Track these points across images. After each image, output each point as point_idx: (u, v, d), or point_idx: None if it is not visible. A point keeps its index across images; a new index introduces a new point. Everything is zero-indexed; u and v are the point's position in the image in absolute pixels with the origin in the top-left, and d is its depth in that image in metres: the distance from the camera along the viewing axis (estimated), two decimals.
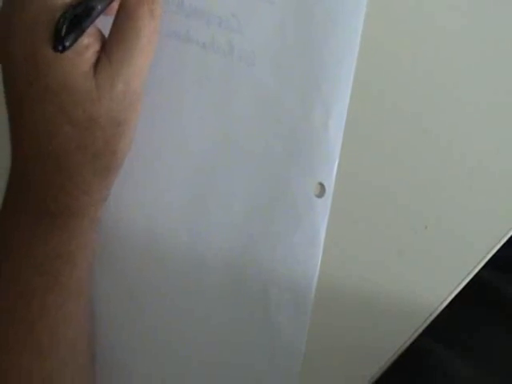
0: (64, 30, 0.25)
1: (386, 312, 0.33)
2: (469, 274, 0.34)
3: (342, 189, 0.33)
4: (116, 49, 0.27)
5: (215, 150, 0.33)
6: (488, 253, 0.34)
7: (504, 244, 0.34)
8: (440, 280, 0.34)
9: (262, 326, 0.33)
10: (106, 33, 0.29)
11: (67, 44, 0.26)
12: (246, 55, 0.33)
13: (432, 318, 0.34)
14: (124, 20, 0.28)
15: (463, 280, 0.34)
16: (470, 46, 0.34)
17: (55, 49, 0.26)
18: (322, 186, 0.33)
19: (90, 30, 0.27)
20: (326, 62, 0.33)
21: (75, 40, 0.26)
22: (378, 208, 0.34)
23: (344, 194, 0.33)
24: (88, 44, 0.27)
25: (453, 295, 0.34)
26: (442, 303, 0.34)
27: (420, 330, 0.34)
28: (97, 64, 0.27)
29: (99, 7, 0.27)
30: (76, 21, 0.26)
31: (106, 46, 0.28)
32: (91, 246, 0.30)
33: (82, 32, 0.26)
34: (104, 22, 0.29)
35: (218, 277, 0.33)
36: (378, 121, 0.34)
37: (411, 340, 0.34)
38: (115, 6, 0.28)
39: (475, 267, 0.34)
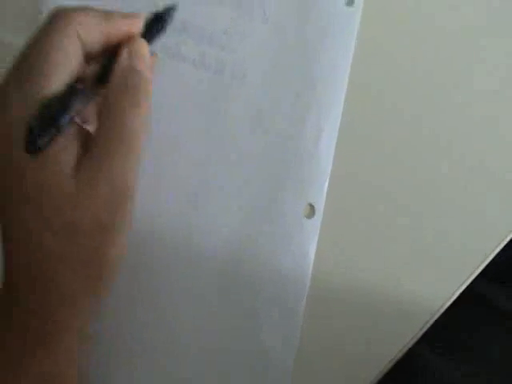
0: (35, 131, 0.24)
1: (384, 316, 0.33)
2: (468, 278, 0.34)
3: (340, 191, 0.33)
4: (96, 146, 0.25)
5: (205, 167, 0.33)
6: (484, 260, 0.34)
7: (501, 250, 0.34)
8: (439, 284, 0.34)
9: (251, 346, 0.32)
10: None
11: (40, 145, 0.24)
12: (237, 73, 0.33)
13: (431, 321, 0.34)
14: (105, 115, 0.26)
15: (462, 284, 0.34)
16: (468, 47, 0.34)
17: (28, 151, 0.24)
18: (311, 206, 0.33)
19: (71, 132, 0.25)
20: (318, 82, 0.33)
21: (50, 140, 0.24)
22: (375, 213, 0.34)
23: (341, 198, 0.33)
24: (65, 144, 0.25)
25: (452, 299, 0.34)
26: (441, 307, 0.34)
27: (419, 335, 0.34)
28: (78, 165, 0.25)
29: (75, 106, 0.25)
30: (50, 121, 0.24)
31: (89, 143, 0.25)
32: (76, 367, 0.28)
33: (57, 132, 0.24)
34: None
35: (207, 292, 0.33)
36: (370, 143, 0.34)
37: (410, 344, 0.34)
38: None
39: (474, 272, 0.34)
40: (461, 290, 0.34)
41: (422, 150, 0.34)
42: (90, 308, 0.27)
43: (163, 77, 0.32)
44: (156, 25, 0.29)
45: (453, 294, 0.34)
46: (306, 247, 0.33)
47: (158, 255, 0.32)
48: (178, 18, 0.32)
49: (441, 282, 0.34)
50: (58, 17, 0.26)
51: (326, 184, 0.33)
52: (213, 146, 0.33)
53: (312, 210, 0.33)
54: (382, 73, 0.34)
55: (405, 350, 0.34)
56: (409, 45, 0.34)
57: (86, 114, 0.28)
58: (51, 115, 0.24)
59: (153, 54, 0.29)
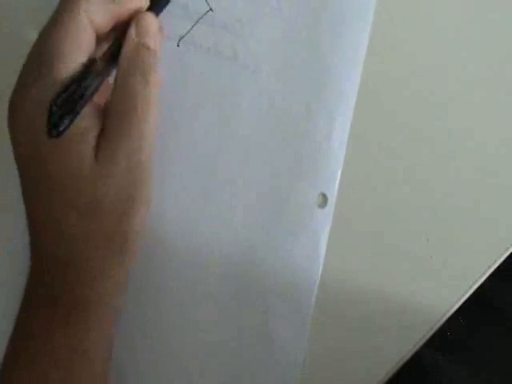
0: (56, 115, 0.24)
1: (388, 322, 0.33)
2: (473, 284, 0.34)
3: (345, 198, 0.33)
4: (111, 124, 0.26)
5: (217, 158, 0.33)
6: (493, 263, 0.34)
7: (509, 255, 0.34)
8: (444, 290, 0.34)
9: (261, 336, 0.32)
10: None
11: (61, 129, 0.25)
12: (250, 62, 0.33)
13: (437, 327, 0.34)
14: (117, 92, 0.26)
15: (468, 290, 0.34)
16: (474, 52, 0.34)
17: (50, 135, 0.25)
18: (324, 196, 0.33)
19: (88, 112, 0.26)
20: (331, 72, 0.33)
21: (70, 123, 0.25)
22: (380, 218, 0.34)
23: (346, 203, 0.33)
24: (86, 126, 0.26)
25: (458, 305, 0.34)
26: (444, 315, 0.34)
27: (424, 340, 0.34)
28: (97, 145, 0.26)
29: (92, 87, 0.26)
30: (69, 103, 0.25)
31: (104, 124, 0.26)
32: (108, 339, 0.29)
33: (76, 114, 0.25)
34: None
35: (217, 284, 0.33)
36: (381, 132, 0.34)
37: (415, 349, 0.34)
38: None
39: (480, 278, 0.34)
40: (468, 294, 0.34)
41: (437, 141, 0.34)
42: (117, 280, 0.28)
43: (177, 65, 0.32)
44: None
45: (456, 303, 0.34)
46: (318, 237, 0.33)
47: (168, 246, 0.32)
48: (191, 7, 0.33)
49: (446, 291, 0.34)
50: (66, 1, 0.26)
51: (339, 173, 0.33)
52: (225, 135, 0.33)
53: (324, 199, 0.33)
54: (397, 62, 0.34)
55: (412, 352, 0.34)
56: (427, 32, 0.34)
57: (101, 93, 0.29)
58: (70, 98, 0.25)
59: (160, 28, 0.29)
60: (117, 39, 0.28)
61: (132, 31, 0.27)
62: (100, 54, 0.27)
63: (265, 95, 0.33)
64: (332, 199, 0.33)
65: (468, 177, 0.34)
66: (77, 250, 0.26)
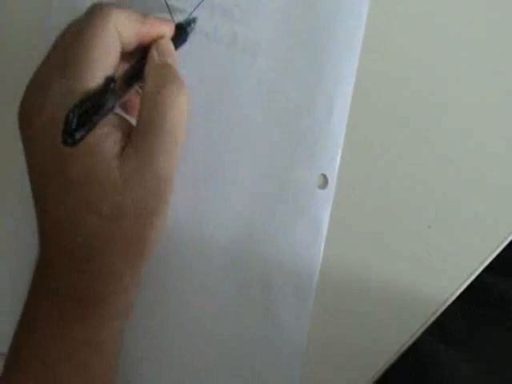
0: (73, 124, 0.25)
1: (387, 311, 0.33)
2: (472, 274, 0.34)
3: (345, 182, 0.33)
4: (142, 138, 0.26)
5: (216, 142, 0.33)
6: (491, 253, 0.34)
7: (506, 246, 0.34)
8: (443, 279, 0.34)
9: (264, 317, 0.32)
10: None
11: (77, 137, 0.25)
12: (250, 46, 0.33)
13: (434, 317, 0.33)
14: (146, 109, 0.27)
15: (466, 280, 0.34)
16: (475, 48, 0.34)
17: (65, 143, 0.25)
18: (324, 177, 0.33)
19: (110, 119, 0.26)
20: (330, 53, 0.33)
21: (86, 133, 0.25)
22: (380, 204, 0.34)
23: (346, 187, 0.33)
24: (107, 133, 0.26)
25: (455, 295, 0.34)
26: (444, 303, 0.34)
27: (422, 330, 0.33)
28: (123, 154, 0.26)
29: (110, 102, 0.26)
30: (86, 114, 0.25)
31: (132, 135, 0.27)
32: (121, 333, 0.29)
33: (93, 125, 0.25)
34: None
35: (218, 270, 0.33)
36: (381, 114, 0.34)
37: (413, 339, 0.33)
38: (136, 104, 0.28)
39: (478, 267, 0.34)
40: (467, 283, 0.34)
41: (437, 126, 0.34)
42: (132, 279, 0.28)
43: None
44: (178, 35, 0.30)
45: (454, 293, 0.34)
46: (320, 218, 0.33)
47: (169, 233, 0.32)
48: None
49: (443, 280, 0.34)
50: (98, 11, 0.26)
51: (339, 154, 0.33)
52: (224, 119, 0.33)
53: (325, 180, 0.33)
54: (395, 43, 0.34)
55: (410, 342, 0.33)
56: (414, 36, 0.34)
57: (129, 105, 0.30)
58: (88, 110, 0.25)
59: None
60: (137, 62, 0.28)
61: (155, 50, 0.28)
62: (120, 72, 0.28)
63: (264, 79, 0.33)
64: (332, 180, 0.33)
65: (471, 165, 0.34)
66: (95, 250, 0.26)
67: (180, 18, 0.32)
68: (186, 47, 0.33)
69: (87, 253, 0.26)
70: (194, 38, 0.33)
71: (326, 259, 0.33)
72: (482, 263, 0.34)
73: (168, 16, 0.32)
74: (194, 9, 0.33)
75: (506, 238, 0.34)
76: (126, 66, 0.28)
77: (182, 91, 0.27)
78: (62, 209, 0.26)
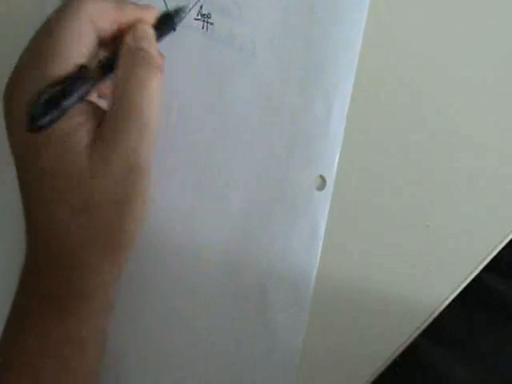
0: (37, 110, 0.24)
1: (384, 312, 0.33)
2: (469, 275, 0.33)
3: (343, 183, 0.33)
4: (110, 125, 0.26)
5: (212, 141, 0.32)
6: (490, 254, 0.34)
7: (505, 246, 0.34)
8: (440, 280, 0.33)
9: (260, 322, 0.32)
10: None
11: (41, 124, 0.24)
12: (247, 45, 0.33)
13: (431, 318, 0.33)
14: (116, 95, 0.26)
15: (463, 281, 0.33)
16: (476, 46, 0.34)
17: (28, 129, 0.24)
18: (322, 178, 0.32)
19: (85, 109, 0.26)
20: (329, 53, 0.32)
21: (53, 120, 0.24)
22: (378, 205, 0.33)
23: (344, 188, 0.33)
24: (81, 122, 0.25)
25: (453, 296, 0.33)
26: (441, 304, 0.33)
27: (419, 331, 0.33)
28: (92, 143, 0.25)
29: (81, 90, 0.25)
30: (54, 101, 0.24)
31: (102, 123, 0.26)
32: (103, 330, 0.29)
33: (63, 112, 0.25)
34: None
35: (214, 272, 0.32)
36: (380, 115, 0.33)
37: (410, 340, 0.33)
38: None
39: (476, 268, 0.33)
40: (465, 285, 0.34)
41: (435, 127, 0.34)
42: (111, 275, 0.27)
43: (172, 47, 0.32)
44: (165, 23, 0.29)
45: (452, 294, 0.33)
46: (317, 219, 0.32)
47: (162, 234, 0.32)
48: None
49: (441, 281, 0.33)
50: (72, 0, 0.26)
51: (337, 156, 0.32)
52: (221, 118, 0.32)
53: (323, 181, 0.32)
54: (395, 44, 0.33)
55: (406, 344, 0.33)
56: (414, 36, 0.34)
57: (104, 93, 0.29)
58: (56, 96, 0.25)
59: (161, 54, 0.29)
60: (116, 49, 0.28)
61: (129, 35, 0.27)
62: (96, 60, 0.27)
63: (262, 78, 0.33)
64: (330, 182, 0.32)
65: (469, 166, 0.34)
66: (70, 245, 0.26)
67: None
68: (181, 44, 0.32)
69: (63, 247, 0.26)
70: (190, 35, 0.32)
71: (324, 260, 0.33)
72: (480, 264, 0.34)
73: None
74: (193, 6, 0.32)
75: (504, 239, 0.34)
76: (104, 53, 0.28)
77: (153, 76, 0.27)
78: (37, 200, 0.26)
